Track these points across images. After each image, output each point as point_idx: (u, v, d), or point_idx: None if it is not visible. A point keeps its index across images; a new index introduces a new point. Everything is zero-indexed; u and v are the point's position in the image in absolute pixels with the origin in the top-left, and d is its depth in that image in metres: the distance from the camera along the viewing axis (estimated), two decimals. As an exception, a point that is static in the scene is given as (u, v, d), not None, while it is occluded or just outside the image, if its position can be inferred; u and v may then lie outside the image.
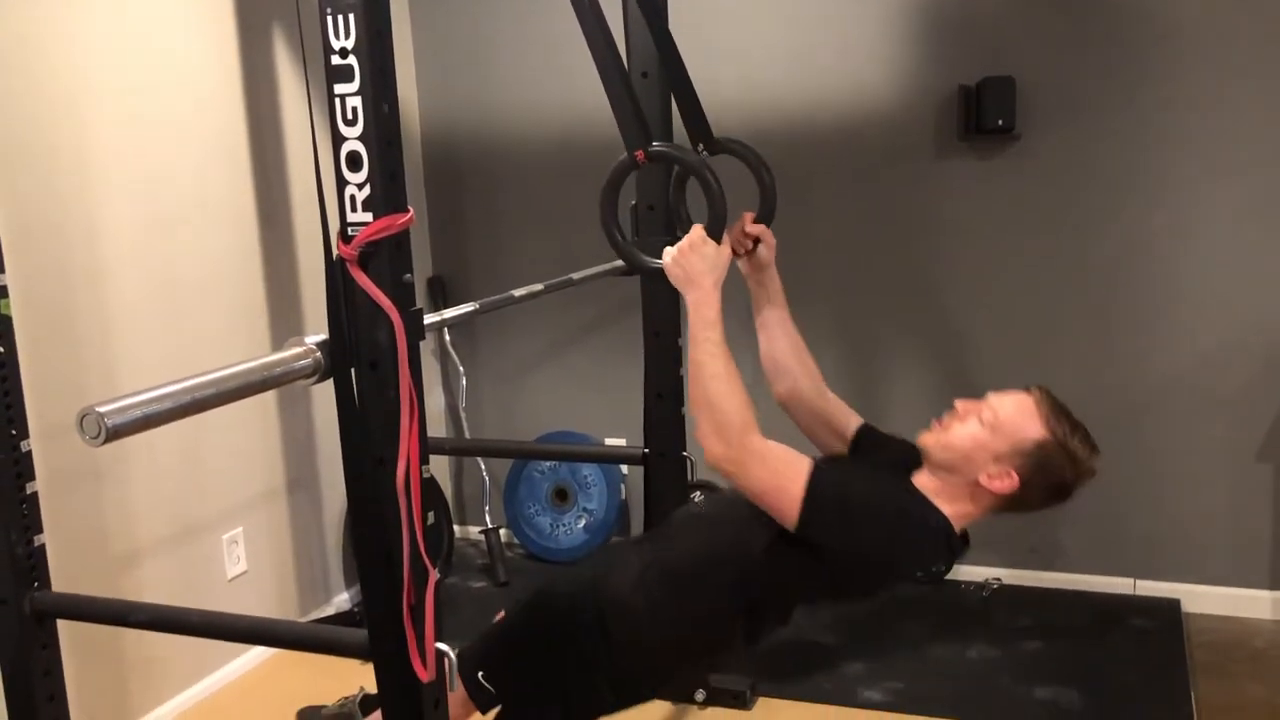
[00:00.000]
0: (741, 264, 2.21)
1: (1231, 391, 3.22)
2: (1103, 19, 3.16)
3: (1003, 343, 3.41)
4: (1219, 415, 3.25)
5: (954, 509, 1.89)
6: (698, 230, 1.87)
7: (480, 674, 1.96)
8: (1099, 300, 3.31)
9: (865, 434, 2.15)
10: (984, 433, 1.86)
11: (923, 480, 1.93)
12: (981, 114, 3.22)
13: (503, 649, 2.02)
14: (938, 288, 3.44)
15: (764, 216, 2.21)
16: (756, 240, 2.16)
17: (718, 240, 1.87)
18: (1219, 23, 3.07)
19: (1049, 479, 1.86)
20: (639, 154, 1.94)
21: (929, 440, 1.93)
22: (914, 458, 1.96)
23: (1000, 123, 3.20)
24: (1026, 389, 1.90)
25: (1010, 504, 1.89)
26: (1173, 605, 3.31)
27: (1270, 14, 3.03)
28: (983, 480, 1.85)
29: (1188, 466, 3.30)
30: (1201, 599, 3.31)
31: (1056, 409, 1.87)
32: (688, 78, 2.30)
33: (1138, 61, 3.15)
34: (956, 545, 1.91)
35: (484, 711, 1.99)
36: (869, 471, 2.00)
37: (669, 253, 1.89)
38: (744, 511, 1.91)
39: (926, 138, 3.37)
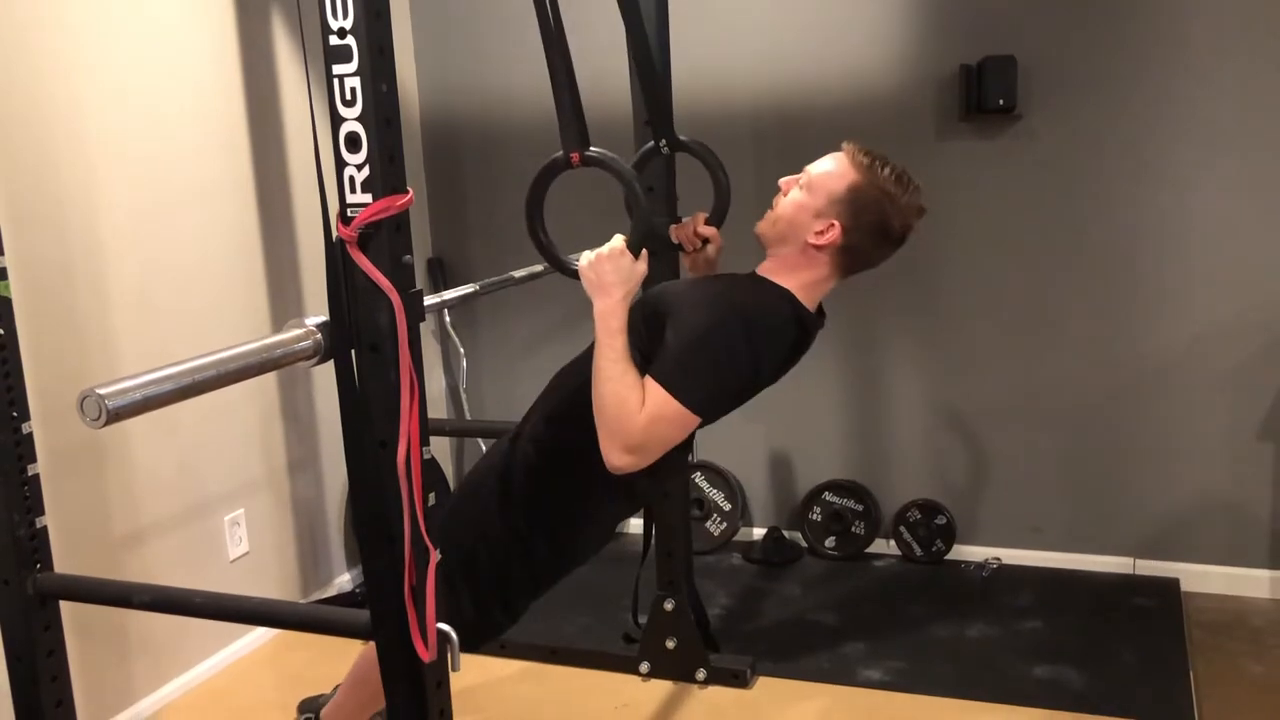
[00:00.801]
0: (687, 260, 2.24)
1: (1232, 370, 3.22)
2: (1105, -3, 3.15)
3: (1004, 321, 3.41)
4: (1220, 394, 3.25)
5: (795, 280, 1.94)
6: (618, 240, 1.88)
7: None
8: (1100, 279, 3.30)
9: None
10: (803, 195, 1.93)
11: (764, 267, 1.98)
12: (983, 93, 3.20)
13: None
14: (938, 267, 3.43)
15: (716, 218, 2.24)
16: (705, 240, 2.20)
17: (636, 254, 1.87)
18: None
19: (870, 219, 1.90)
20: (575, 156, 1.95)
21: (760, 226, 1.99)
22: None
23: (1001, 102, 3.19)
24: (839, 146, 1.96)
25: (846, 258, 1.94)
26: (1172, 584, 3.32)
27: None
28: (811, 240, 1.91)
29: (1188, 446, 3.30)
30: (1200, 578, 3.32)
31: (867, 154, 1.93)
32: (654, 71, 2.31)
33: (1140, 39, 3.14)
34: (807, 317, 1.95)
35: None
36: (689, 286, 2.05)
37: (586, 257, 1.88)
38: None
39: (928, 117, 3.36)
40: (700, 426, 1.85)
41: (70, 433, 2.46)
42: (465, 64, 3.81)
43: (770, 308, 1.91)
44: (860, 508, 3.61)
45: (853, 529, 3.62)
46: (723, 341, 1.83)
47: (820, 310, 1.99)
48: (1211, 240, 3.18)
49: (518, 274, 2.55)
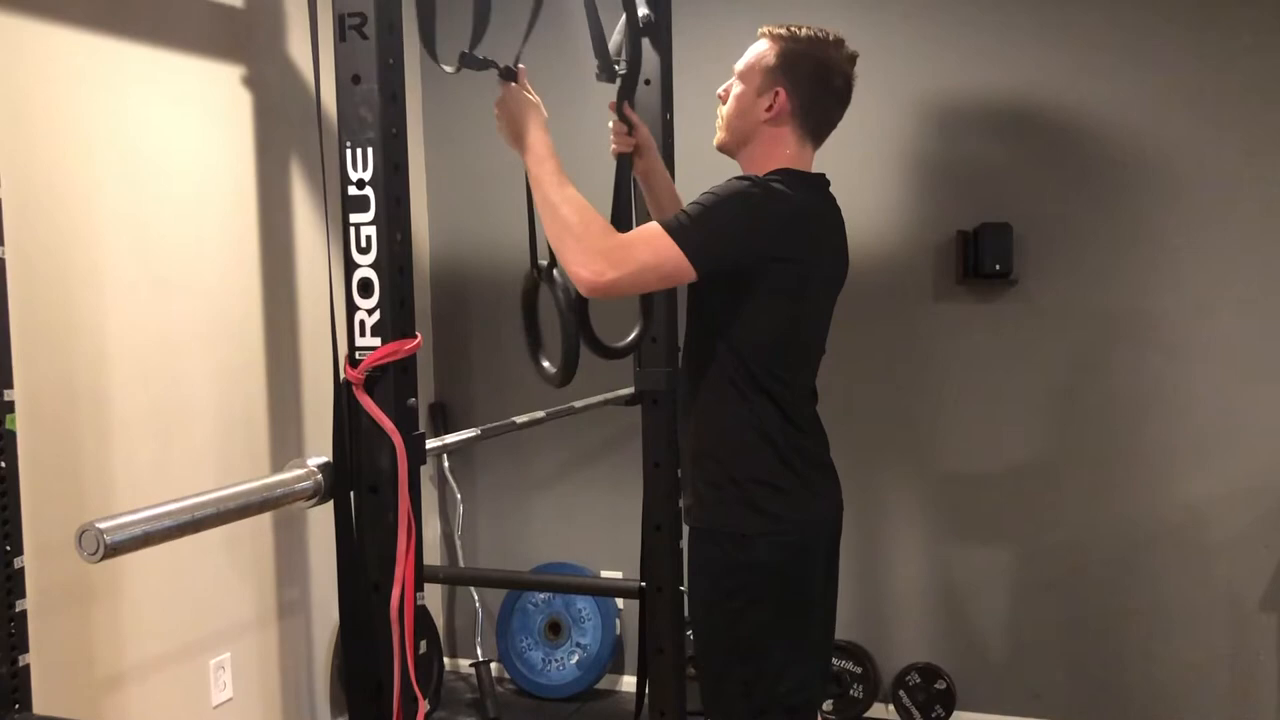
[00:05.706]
0: (637, 157, 2.26)
1: (1233, 537, 3.20)
2: (1096, 168, 3.25)
3: (1001, 482, 3.41)
4: (1220, 561, 3.22)
5: (775, 164, 1.93)
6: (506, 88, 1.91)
7: None
8: (1097, 442, 3.32)
9: None
10: (740, 86, 1.97)
11: (745, 168, 1.99)
12: (979, 258, 3.28)
13: None
14: (935, 427, 3.45)
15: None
16: (630, 124, 2.23)
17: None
18: (1212, 169, 3.16)
19: (807, 70, 1.93)
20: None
21: (719, 139, 2.02)
22: None
23: (998, 267, 3.27)
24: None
25: (804, 119, 1.95)
26: (1179, 759, 3.22)
27: (1263, 158, 3.12)
28: (764, 118, 1.94)
29: (1189, 613, 3.25)
30: (1208, 753, 3.23)
31: (779, 25, 1.97)
32: None
33: (1132, 208, 3.23)
34: (807, 176, 1.96)
35: None
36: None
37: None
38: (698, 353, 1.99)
39: (927, 280, 3.44)
40: (701, 274, 1.81)
41: (60, 568, 2.43)
42: (474, 214, 3.92)
43: (766, 179, 1.89)
44: (859, 670, 3.53)
45: (851, 692, 3.53)
46: (726, 200, 1.83)
47: (823, 177, 2.00)
48: (1207, 404, 3.21)
49: (519, 419, 2.56)
